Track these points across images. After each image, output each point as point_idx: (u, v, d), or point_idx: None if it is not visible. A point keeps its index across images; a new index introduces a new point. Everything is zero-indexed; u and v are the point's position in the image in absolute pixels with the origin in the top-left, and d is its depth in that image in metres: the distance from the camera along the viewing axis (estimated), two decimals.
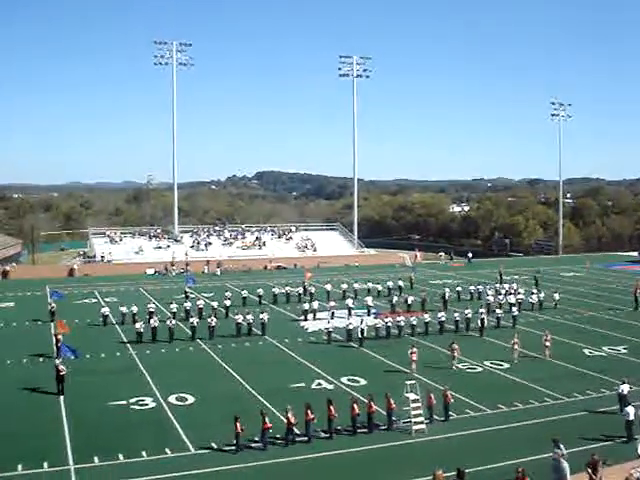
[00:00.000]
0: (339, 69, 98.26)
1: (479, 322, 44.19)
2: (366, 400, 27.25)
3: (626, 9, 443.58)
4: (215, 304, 49.55)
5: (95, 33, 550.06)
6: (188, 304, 49.83)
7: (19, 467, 23.08)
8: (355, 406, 26.46)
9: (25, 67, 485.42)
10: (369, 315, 49.04)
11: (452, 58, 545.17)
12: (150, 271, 78.34)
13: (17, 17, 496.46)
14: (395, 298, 53.42)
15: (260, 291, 56.86)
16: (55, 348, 37.63)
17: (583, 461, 21.10)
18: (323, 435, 26.06)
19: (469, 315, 45.60)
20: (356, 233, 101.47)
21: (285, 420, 25.52)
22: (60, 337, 38.03)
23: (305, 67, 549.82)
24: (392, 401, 26.98)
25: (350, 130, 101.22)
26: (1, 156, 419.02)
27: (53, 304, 50.02)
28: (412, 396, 26.96)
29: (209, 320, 43.74)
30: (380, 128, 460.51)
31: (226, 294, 53.41)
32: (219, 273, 76.78)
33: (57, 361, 33.03)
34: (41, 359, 37.80)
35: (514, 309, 47.98)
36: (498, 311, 47.46)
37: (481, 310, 45.91)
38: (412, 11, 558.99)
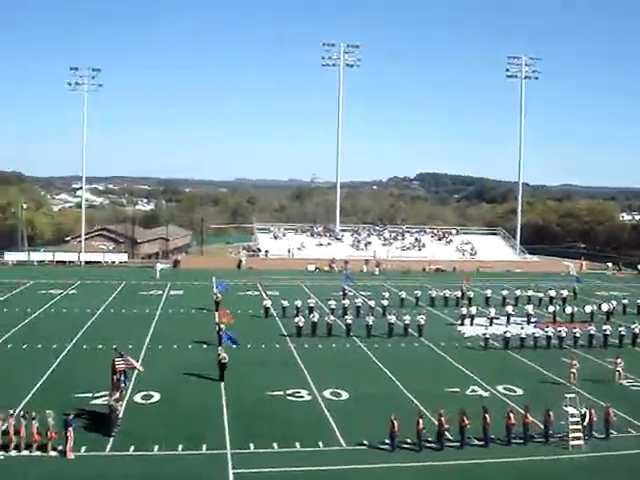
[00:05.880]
0: (507, 70, 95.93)
1: None
2: (522, 410, 26.61)
3: None
4: (372, 303, 49.88)
5: (259, 39, 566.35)
6: (346, 301, 50.51)
7: (179, 447, 24.34)
8: (511, 415, 25.92)
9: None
10: (529, 323, 47.73)
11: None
12: (311, 267, 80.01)
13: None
14: (557, 307, 51.74)
15: (418, 293, 56.73)
16: (217, 336, 39.30)
17: None
18: (476, 442, 25.69)
19: (636, 330, 43.29)
20: (519, 238, 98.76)
21: (437, 423, 25.39)
22: (223, 326, 39.67)
23: (472, 67, 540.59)
24: (551, 414, 26.18)
25: (516, 133, 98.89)
26: (177, 151, 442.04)
27: (218, 294, 52.25)
28: (571, 410, 26.05)
29: (366, 319, 44.16)
30: (548, 131, 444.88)
31: (384, 294, 53.70)
32: (377, 272, 77.17)
33: (220, 349, 34.49)
34: (205, 346, 39.66)
35: None
36: None
37: None
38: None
